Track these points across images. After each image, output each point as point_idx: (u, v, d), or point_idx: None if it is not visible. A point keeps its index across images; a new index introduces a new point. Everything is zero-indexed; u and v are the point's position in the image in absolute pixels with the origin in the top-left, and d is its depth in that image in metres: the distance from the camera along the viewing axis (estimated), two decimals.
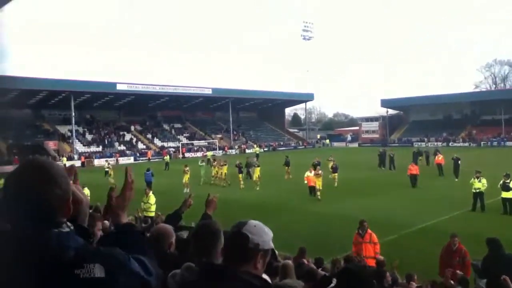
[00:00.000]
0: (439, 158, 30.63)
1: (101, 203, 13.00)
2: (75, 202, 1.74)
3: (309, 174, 23.07)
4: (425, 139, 74.06)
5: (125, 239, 1.72)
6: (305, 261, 8.24)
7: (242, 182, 27.37)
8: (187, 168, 26.81)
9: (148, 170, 26.77)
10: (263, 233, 1.89)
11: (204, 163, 30.85)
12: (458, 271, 8.17)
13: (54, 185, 1.49)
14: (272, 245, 1.92)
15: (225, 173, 28.85)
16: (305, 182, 23.28)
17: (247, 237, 1.85)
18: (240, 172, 27.86)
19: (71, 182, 1.80)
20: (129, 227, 1.85)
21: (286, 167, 31.44)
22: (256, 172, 27.33)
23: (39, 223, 1.44)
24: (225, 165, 29.38)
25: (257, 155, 40.89)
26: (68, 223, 1.55)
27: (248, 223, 1.93)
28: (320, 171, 22.49)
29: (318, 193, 21.81)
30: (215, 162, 30.68)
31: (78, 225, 1.74)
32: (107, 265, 1.42)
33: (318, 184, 22.05)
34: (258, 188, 25.89)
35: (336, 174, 26.57)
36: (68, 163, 51.37)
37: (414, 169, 25.40)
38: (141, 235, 1.86)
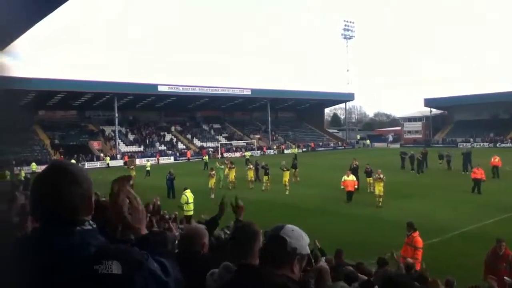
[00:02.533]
0: (496, 160, 28.91)
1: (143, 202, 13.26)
2: (133, 210, 1.84)
3: (347, 178, 21.66)
4: (471, 140, 71.44)
5: (147, 247, 1.74)
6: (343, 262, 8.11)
7: (268, 184, 26.22)
8: (213, 172, 26.23)
9: (170, 173, 25.42)
10: (300, 238, 1.91)
11: (223, 166, 29.75)
12: (506, 278, 7.78)
13: (76, 185, 1.59)
14: (308, 250, 1.94)
15: (233, 176, 28.04)
16: (342, 187, 21.95)
17: (285, 241, 1.87)
18: (266, 174, 26.58)
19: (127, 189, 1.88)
20: (151, 236, 1.84)
21: (294, 170, 29.41)
22: (285, 176, 25.53)
23: (63, 221, 1.55)
24: (233, 168, 28.56)
25: (295, 156, 39.38)
26: (91, 222, 1.62)
27: (285, 227, 1.95)
28: (381, 175, 20.37)
29: (380, 199, 19.89)
30: (226, 162, 29.90)
31: (141, 236, 1.79)
32: (124, 263, 1.47)
33: (379, 190, 20.04)
34: (287, 193, 24.41)
35: (371, 178, 23.99)
36: (111, 163, 53.05)
37: (479, 173, 23.09)
38: (163, 244, 1.87)
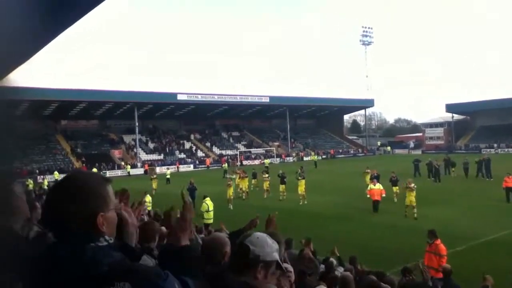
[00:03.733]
0: None
1: (161, 209, 13.33)
2: (121, 222, 1.88)
3: (373, 187, 20.84)
4: (495, 145, 69.91)
5: (176, 262, 1.76)
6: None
7: (284, 193, 25.61)
8: (231, 182, 25.47)
9: (191, 183, 24.62)
10: (265, 245, 1.97)
11: (234, 176, 28.84)
12: None
13: (84, 201, 1.51)
14: (276, 257, 1.98)
15: (246, 186, 27.53)
16: (368, 196, 21.43)
17: (248, 248, 1.94)
18: (283, 182, 25.90)
19: (121, 203, 1.96)
20: (186, 251, 1.88)
21: (282, 185, 26.48)
22: (301, 185, 24.38)
23: (73, 238, 1.47)
24: (246, 177, 28.02)
25: (302, 168, 35.01)
26: (107, 237, 1.55)
27: (252, 235, 2.03)
28: (412, 185, 19.47)
29: (414, 210, 18.84)
30: (238, 171, 29.50)
31: (124, 244, 1.83)
32: (137, 285, 1.38)
33: (411, 200, 19.11)
34: (305, 202, 23.62)
35: (397, 187, 23.13)
36: (132, 171, 53.63)
37: (510, 182, 21.99)
38: (195, 258, 1.91)
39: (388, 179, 23.74)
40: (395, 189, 23.00)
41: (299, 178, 24.73)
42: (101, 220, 1.52)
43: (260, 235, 2.02)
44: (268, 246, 1.96)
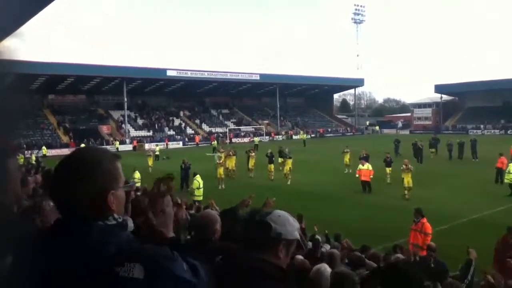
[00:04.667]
0: None
1: (149, 186, 13.37)
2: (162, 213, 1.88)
3: (362, 167, 20.87)
4: (481, 127, 70.72)
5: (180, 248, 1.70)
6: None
7: (272, 174, 25.14)
8: (221, 161, 24.93)
9: (184, 162, 23.61)
10: (287, 223, 1.91)
11: (220, 154, 27.95)
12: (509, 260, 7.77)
13: (87, 181, 1.45)
14: (297, 235, 1.93)
15: (233, 165, 26.67)
16: (357, 175, 21.38)
17: (270, 226, 1.87)
18: (271, 162, 25.56)
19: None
20: (174, 242, 1.83)
21: (280, 158, 27.65)
22: (288, 165, 24.36)
23: (80, 216, 1.43)
24: (234, 155, 27.14)
25: (281, 147, 31.35)
26: (116, 216, 1.50)
27: (273, 212, 1.96)
28: (409, 166, 19.39)
29: (409, 192, 18.77)
30: (223, 152, 28.17)
31: (172, 238, 1.84)
32: (148, 266, 1.34)
33: (408, 181, 18.96)
34: (289, 183, 23.45)
35: (390, 168, 22.92)
36: (120, 147, 53.40)
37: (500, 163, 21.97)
38: (189, 248, 1.86)
39: (376, 159, 23.82)
40: (388, 170, 22.82)
41: (286, 157, 24.76)
42: (111, 198, 1.48)
43: (282, 213, 1.96)
44: (289, 224, 1.92)
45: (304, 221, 9.45)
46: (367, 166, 20.85)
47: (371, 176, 20.77)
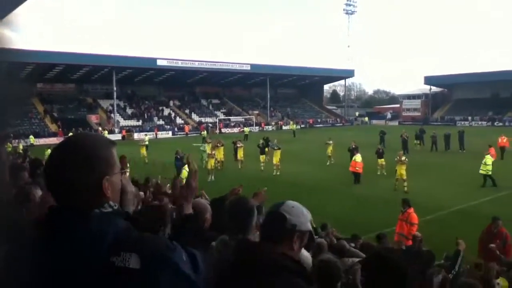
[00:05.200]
0: (504, 140, 27.75)
1: (139, 175, 13.38)
2: (122, 191, 1.79)
3: (357, 159, 20.77)
4: (469, 118, 71.39)
5: (182, 232, 1.71)
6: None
7: (263, 164, 24.83)
8: (214, 152, 24.55)
9: (178, 153, 23.41)
10: (300, 214, 1.89)
11: (205, 145, 27.39)
12: (491, 245, 7.96)
13: (89, 165, 1.41)
14: (309, 226, 1.91)
15: (221, 156, 26.04)
16: (356, 168, 20.91)
17: (284, 218, 1.84)
18: (263, 153, 25.24)
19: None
20: (189, 219, 1.82)
21: (266, 148, 27.46)
22: (277, 156, 24.11)
23: (76, 204, 1.39)
24: (222, 146, 26.52)
25: (265, 138, 30.65)
26: (111, 203, 1.46)
27: (286, 203, 1.93)
28: (403, 158, 19.12)
29: (405, 183, 18.50)
30: (210, 143, 27.24)
31: (125, 212, 1.75)
32: (145, 256, 1.31)
33: (401, 173, 18.76)
34: (278, 173, 23.36)
35: (382, 159, 22.72)
36: (109, 137, 52.97)
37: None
38: (198, 229, 1.83)
39: (365, 151, 23.61)
40: (380, 161, 22.72)
41: (275, 148, 24.46)
42: (107, 185, 1.43)
43: (295, 204, 1.94)
44: (303, 215, 1.90)
45: None
46: (357, 157, 20.83)
47: (357, 168, 20.68)
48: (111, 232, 1.36)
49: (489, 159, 19.40)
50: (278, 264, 1.73)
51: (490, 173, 19.20)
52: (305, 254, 4.18)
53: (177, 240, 1.47)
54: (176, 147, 24.86)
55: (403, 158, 19.15)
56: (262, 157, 25.15)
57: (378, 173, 22.41)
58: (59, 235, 1.34)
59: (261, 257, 1.76)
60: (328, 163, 26.56)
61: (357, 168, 20.63)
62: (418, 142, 35.04)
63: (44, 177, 1.45)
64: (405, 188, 18.29)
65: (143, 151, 30.24)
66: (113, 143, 1.55)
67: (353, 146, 23.34)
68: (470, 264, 7.48)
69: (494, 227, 9.31)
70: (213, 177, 22.25)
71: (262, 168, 24.66)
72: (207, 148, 26.41)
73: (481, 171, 19.48)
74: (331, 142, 27.45)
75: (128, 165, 20.97)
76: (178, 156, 23.08)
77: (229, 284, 1.81)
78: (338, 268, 3.38)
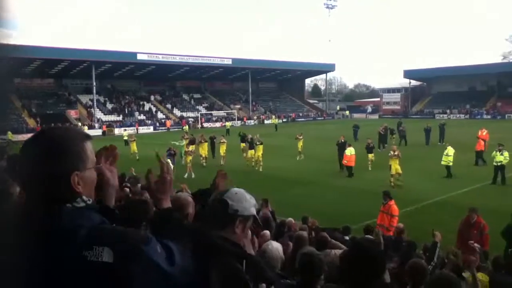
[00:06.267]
0: (483, 133, 27.17)
1: (118, 171, 13.26)
2: (103, 182, 1.78)
3: (351, 152, 20.68)
4: (448, 111, 72.60)
5: (161, 226, 1.69)
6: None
7: (252, 159, 24.22)
8: (190, 149, 24.07)
9: (170, 149, 23.45)
10: (243, 200, 1.97)
11: (183, 142, 26.79)
12: (471, 242, 8.16)
13: (57, 159, 1.39)
14: (253, 211, 1.99)
15: (205, 152, 25.54)
16: (345, 161, 20.92)
17: (226, 203, 1.93)
18: (252, 148, 24.29)
19: (105, 161, 1.82)
20: (167, 213, 1.81)
21: (242, 144, 27.41)
22: (258, 151, 23.66)
23: (48, 198, 1.37)
24: (206, 142, 26.10)
25: (241, 132, 30.33)
26: (85, 198, 1.44)
27: (230, 190, 2.01)
28: (397, 152, 18.72)
29: (401, 177, 18.28)
30: (187, 139, 26.76)
31: (104, 206, 1.74)
32: (117, 250, 1.31)
33: (396, 168, 18.40)
34: (261, 169, 22.98)
35: (372, 154, 22.52)
36: (89, 132, 52.24)
37: (479, 146, 22.71)
38: (179, 223, 1.79)
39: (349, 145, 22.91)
40: (370, 156, 22.40)
41: (257, 143, 23.91)
42: (76, 179, 1.41)
43: (239, 190, 2.01)
44: (246, 201, 1.97)
45: (270, 204, 9.60)
46: (349, 151, 20.75)
47: (346, 161, 20.74)
48: (83, 227, 1.34)
49: (450, 150, 19.85)
50: (216, 246, 1.82)
51: (451, 164, 19.65)
52: (275, 246, 4.25)
53: (157, 234, 1.46)
54: (158, 142, 24.63)
55: (397, 152, 18.77)
56: (251, 152, 24.43)
57: (370, 168, 21.97)
58: (31, 231, 1.32)
59: (201, 240, 1.84)
60: (298, 158, 26.29)
61: (345, 161, 20.74)
62: (393, 136, 34.77)
63: (16, 171, 1.43)
64: (400, 182, 18.07)
65: (134, 147, 28.83)
66: (86, 136, 1.52)
67: (342, 141, 22.96)
68: (447, 252, 7.65)
69: (471, 218, 9.54)
70: (192, 174, 21.54)
71: (253, 164, 24.02)
72: (184, 144, 26.11)
73: (442, 162, 19.87)
74: (301, 137, 27.03)
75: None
76: (172, 152, 22.90)
77: None
78: (320, 261, 3.44)
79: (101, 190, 1.80)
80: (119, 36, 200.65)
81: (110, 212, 1.74)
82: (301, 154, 26.62)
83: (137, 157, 26.64)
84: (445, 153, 19.88)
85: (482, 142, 23.31)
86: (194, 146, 25.97)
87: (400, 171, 18.48)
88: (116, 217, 1.85)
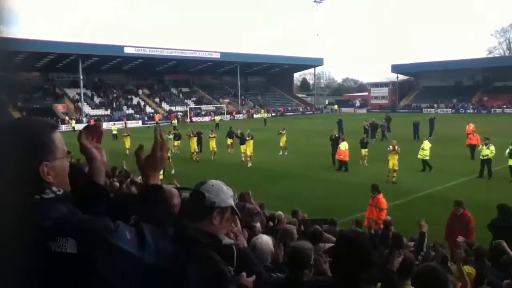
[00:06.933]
0: (470, 127, 27.41)
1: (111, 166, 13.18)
2: (89, 159, 1.80)
3: (343, 147, 20.60)
4: (435, 106, 73.26)
5: (144, 205, 1.69)
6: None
7: (244, 153, 23.93)
8: (176, 144, 23.94)
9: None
10: (220, 192, 1.97)
11: (171, 136, 26.43)
12: (460, 237, 8.27)
13: (23, 150, 1.39)
14: (231, 203, 1.99)
15: (195, 146, 25.42)
16: (341, 156, 20.73)
17: (203, 195, 1.94)
18: (243, 143, 24.07)
19: (91, 140, 1.80)
20: (154, 189, 1.77)
21: (229, 139, 27.20)
22: (249, 146, 23.39)
23: (16, 189, 1.36)
24: (195, 136, 25.97)
25: (231, 128, 29.15)
26: (54, 188, 1.44)
27: (207, 182, 2.01)
28: (396, 147, 18.49)
29: (395, 174, 18.04)
30: (173, 133, 26.57)
31: (92, 182, 1.75)
32: (81, 240, 1.31)
33: (393, 163, 18.09)
34: (250, 165, 22.74)
35: (366, 150, 22.14)
36: (77, 126, 51.77)
37: (474, 139, 22.74)
38: (163, 203, 1.78)
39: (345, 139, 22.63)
40: (364, 151, 22.13)
41: (247, 138, 23.68)
42: (45, 170, 1.41)
43: (215, 182, 2.02)
44: (223, 192, 1.98)
45: (252, 197, 9.58)
46: (343, 145, 20.69)
47: (341, 156, 20.71)
48: (48, 218, 1.34)
49: (426, 145, 20.09)
50: (192, 238, 1.83)
51: (427, 158, 19.86)
52: (265, 239, 4.28)
53: (141, 213, 1.50)
54: (148, 137, 24.30)
55: (397, 147, 18.53)
56: (242, 147, 24.15)
57: (361, 163, 21.86)
58: None
59: (181, 233, 1.84)
60: (280, 153, 26.05)
61: (341, 156, 20.69)
62: (377, 131, 34.19)
63: None
64: (394, 179, 17.94)
65: (128, 143, 27.60)
66: (53, 126, 1.52)
67: (335, 136, 22.64)
68: (433, 244, 7.75)
69: (457, 211, 9.68)
70: (173, 171, 20.32)
71: (243, 159, 23.85)
72: (171, 137, 25.93)
73: (419, 156, 20.06)
74: (284, 132, 26.70)
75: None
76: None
77: None
78: (307, 254, 3.47)
79: (90, 167, 1.80)
80: (119, 37, 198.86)
81: (98, 188, 1.75)
82: (285, 149, 26.26)
83: (127, 152, 25.77)
84: (421, 147, 20.05)
85: (476, 137, 22.92)
86: (179, 142, 25.87)
87: (396, 167, 18.23)
88: (110, 199, 1.84)
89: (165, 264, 1.48)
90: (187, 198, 2.06)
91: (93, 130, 1.84)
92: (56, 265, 1.29)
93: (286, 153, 26.05)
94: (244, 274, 2.26)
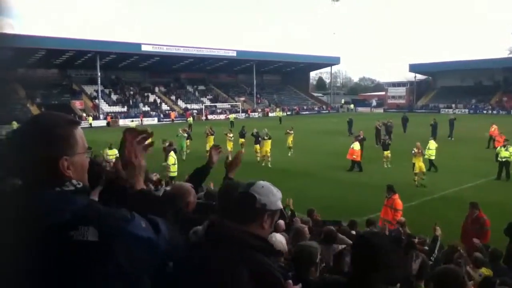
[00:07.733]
0: (493, 129, 27.06)
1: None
2: (125, 162, 1.89)
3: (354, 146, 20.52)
4: (453, 106, 72.24)
5: (141, 206, 1.71)
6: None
7: (258, 153, 23.61)
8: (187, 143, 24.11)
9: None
10: (270, 194, 1.92)
11: (185, 134, 26.17)
12: (475, 239, 8.14)
13: (44, 145, 1.44)
14: (280, 205, 1.95)
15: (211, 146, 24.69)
16: (354, 156, 20.52)
17: (254, 198, 1.88)
18: (257, 142, 23.74)
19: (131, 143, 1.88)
20: (142, 195, 1.85)
21: (241, 139, 26.28)
22: (266, 146, 22.86)
23: (37, 183, 1.42)
24: (212, 135, 25.66)
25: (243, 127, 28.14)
26: (74, 182, 1.49)
27: (256, 184, 1.96)
28: (421, 150, 17.98)
29: (424, 176, 17.60)
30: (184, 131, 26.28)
31: (117, 186, 1.89)
32: (102, 228, 1.38)
33: (420, 166, 17.53)
34: (269, 165, 22.30)
35: (388, 151, 21.50)
36: (94, 123, 52.39)
37: (501, 141, 21.56)
38: (157, 202, 1.84)
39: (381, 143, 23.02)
40: (386, 153, 21.51)
41: (265, 138, 23.20)
42: (65, 164, 1.46)
43: (265, 184, 1.97)
44: (273, 195, 1.93)
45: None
46: (356, 145, 20.51)
47: (354, 156, 20.46)
48: (68, 208, 1.40)
49: (432, 144, 19.81)
50: (239, 241, 1.79)
51: (433, 157, 19.58)
52: (279, 239, 4.27)
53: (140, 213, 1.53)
54: (162, 135, 24.45)
55: (420, 150, 17.95)
56: (256, 147, 23.72)
57: (385, 166, 21.22)
58: (18, 215, 1.37)
59: (224, 234, 1.82)
60: (289, 154, 25.46)
61: (354, 156, 20.45)
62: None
63: (5, 158, 1.49)
64: (417, 182, 17.30)
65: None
66: (74, 122, 1.57)
67: (361, 136, 22.19)
68: (448, 246, 7.65)
69: (473, 213, 9.56)
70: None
71: (260, 159, 23.39)
72: (184, 137, 25.81)
73: (425, 156, 19.49)
74: (292, 132, 26.29)
75: (113, 152, 20.91)
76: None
77: (195, 255, 1.88)
78: (311, 253, 3.47)
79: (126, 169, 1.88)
80: (119, 37, 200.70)
81: (122, 190, 1.86)
82: (291, 149, 25.80)
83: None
84: (427, 147, 19.69)
85: (503, 138, 22.06)
86: (189, 141, 25.80)
87: (424, 169, 17.82)
88: (129, 195, 1.90)
89: (176, 255, 1.61)
90: (237, 198, 2.01)
91: (135, 135, 1.90)
92: (78, 253, 1.35)
93: (292, 153, 25.51)
94: (290, 281, 2.22)
